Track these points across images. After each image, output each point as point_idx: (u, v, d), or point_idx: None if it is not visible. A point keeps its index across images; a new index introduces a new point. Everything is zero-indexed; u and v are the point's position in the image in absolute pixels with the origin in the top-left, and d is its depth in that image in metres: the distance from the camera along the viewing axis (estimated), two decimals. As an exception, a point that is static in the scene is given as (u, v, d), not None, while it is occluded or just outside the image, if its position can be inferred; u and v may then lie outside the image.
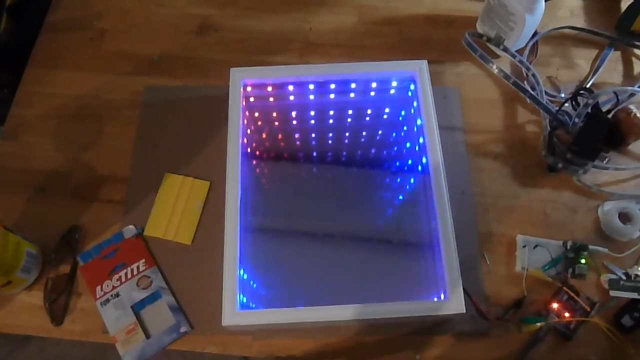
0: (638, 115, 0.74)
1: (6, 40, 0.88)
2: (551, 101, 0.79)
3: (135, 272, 0.67)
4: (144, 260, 0.68)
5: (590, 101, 0.72)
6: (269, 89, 0.76)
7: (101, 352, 1.29)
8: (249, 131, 0.76)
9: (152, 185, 0.74)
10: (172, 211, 0.71)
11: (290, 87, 0.76)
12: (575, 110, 0.74)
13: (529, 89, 0.77)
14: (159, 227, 0.71)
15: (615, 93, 0.75)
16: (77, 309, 0.66)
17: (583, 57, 0.85)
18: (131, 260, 0.68)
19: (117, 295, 0.66)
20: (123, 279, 0.67)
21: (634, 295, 0.66)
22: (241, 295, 0.61)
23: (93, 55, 0.84)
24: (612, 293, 0.66)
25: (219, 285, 0.61)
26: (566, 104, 0.76)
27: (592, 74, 0.83)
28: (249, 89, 0.75)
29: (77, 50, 0.84)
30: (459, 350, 0.65)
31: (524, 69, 0.81)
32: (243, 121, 0.71)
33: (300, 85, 0.76)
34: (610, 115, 0.74)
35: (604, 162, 0.75)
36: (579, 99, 0.75)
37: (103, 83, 0.82)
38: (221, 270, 0.61)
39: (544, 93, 0.79)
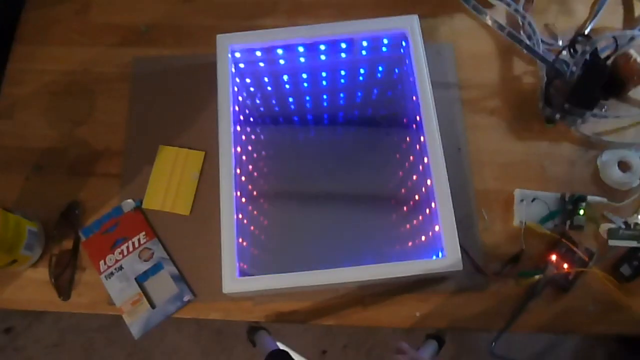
0: (638, 60, 0.72)
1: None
2: (548, 50, 0.77)
3: (136, 245, 0.68)
4: (144, 232, 0.69)
5: (588, 48, 0.70)
6: (258, 53, 0.74)
7: (116, 320, 1.32)
8: (240, 98, 0.75)
9: (147, 157, 0.74)
10: (169, 183, 0.72)
11: (280, 51, 0.74)
12: (573, 58, 0.72)
13: (525, 39, 0.75)
14: (157, 200, 0.71)
15: (614, 38, 0.73)
16: (82, 283, 0.68)
17: (582, 2, 0.82)
18: (132, 234, 0.69)
19: (121, 268, 0.67)
20: (125, 252, 0.68)
21: (634, 244, 0.65)
22: (241, 263, 0.62)
23: (80, 28, 0.83)
24: (611, 243, 0.66)
25: (219, 254, 0.61)
26: (563, 52, 0.74)
27: (591, 19, 0.80)
28: (237, 54, 0.73)
29: (64, 24, 0.83)
30: (458, 307, 0.66)
31: (519, 18, 0.79)
32: (233, 88, 0.70)
33: (291, 48, 0.74)
34: (609, 62, 0.72)
35: (603, 110, 0.73)
36: (577, 46, 0.73)
37: (92, 56, 0.81)
38: (220, 238, 0.62)
39: (540, 42, 0.76)
